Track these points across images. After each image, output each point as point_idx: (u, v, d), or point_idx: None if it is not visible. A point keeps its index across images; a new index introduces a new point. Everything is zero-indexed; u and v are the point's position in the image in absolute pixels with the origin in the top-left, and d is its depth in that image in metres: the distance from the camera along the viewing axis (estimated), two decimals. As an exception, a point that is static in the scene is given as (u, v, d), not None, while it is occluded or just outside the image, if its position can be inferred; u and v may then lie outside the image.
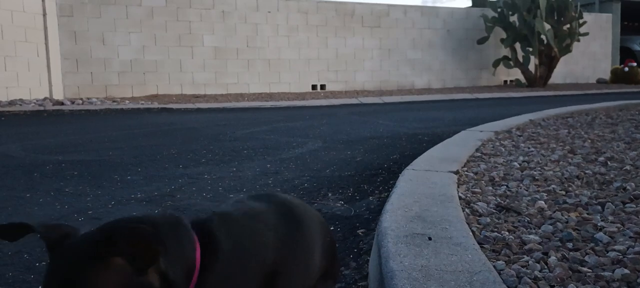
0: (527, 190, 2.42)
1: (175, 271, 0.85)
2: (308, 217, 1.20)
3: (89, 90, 10.58)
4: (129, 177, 3.38)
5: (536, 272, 1.43)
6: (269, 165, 3.79)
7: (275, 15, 12.49)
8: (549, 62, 14.63)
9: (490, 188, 2.49)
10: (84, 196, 2.93)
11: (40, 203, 2.78)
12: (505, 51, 14.97)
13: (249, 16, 12.18)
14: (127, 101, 9.73)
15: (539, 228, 1.82)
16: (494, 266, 1.45)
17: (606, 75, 17.25)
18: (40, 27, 9.50)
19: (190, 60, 11.65)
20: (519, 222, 1.92)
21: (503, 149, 3.68)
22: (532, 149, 3.65)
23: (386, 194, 2.73)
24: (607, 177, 2.65)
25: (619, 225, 1.83)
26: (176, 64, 11.49)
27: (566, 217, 1.95)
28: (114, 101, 9.69)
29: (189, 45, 11.61)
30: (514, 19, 14.65)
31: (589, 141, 3.98)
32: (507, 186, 2.51)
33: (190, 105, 9.13)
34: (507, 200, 2.24)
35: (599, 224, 1.84)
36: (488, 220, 1.94)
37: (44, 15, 9.56)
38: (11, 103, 8.40)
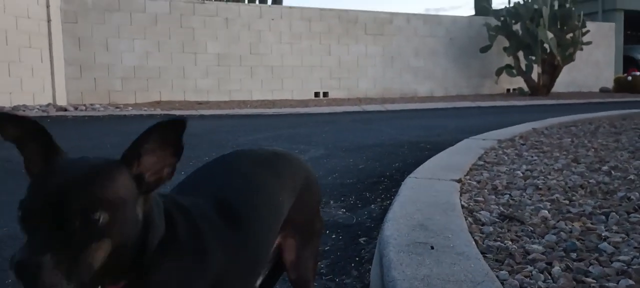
0: (530, 199, 2.40)
1: (157, 218, 0.85)
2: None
3: (92, 96, 10.60)
4: (130, 183, 3.37)
5: (540, 283, 1.41)
6: (271, 172, 3.78)
7: (279, 23, 12.52)
8: (551, 70, 14.62)
9: (493, 197, 2.48)
10: (86, 202, 2.92)
11: (41, 209, 2.77)
12: (508, 59, 14.96)
13: (253, 23, 12.21)
14: (130, 107, 9.74)
15: (543, 238, 1.81)
16: (497, 276, 1.44)
17: (609, 84, 17.21)
18: (44, 33, 9.54)
19: (194, 66, 11.67)
20: (522, 231, 1.91)
21: (506, 158, 3.67)
22: (536, 158, 3.63)
23: (388, 202, 2.72)
24: (611, 187, 2.63)
25: (623, 235, 1.82)
26: (179, 71, 11.51)
27: (570, 226, 1.93)
28: (117, 107, 9.70)
29: (193, 52, 11.63)
30: (517, 27, 14.66)
31: (593, 150, 3.96)
32: (510, 195, 2.50)
33: (193, 112, 9.14)
34: (510, 209, 2.23)
35: (603, 234, 1.83)
36: (491, 229, 1.93)
37: (49, 21, 9.60)
38: (15, 109, 8.41)
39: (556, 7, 14.35)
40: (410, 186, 2.62)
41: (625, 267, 1.51)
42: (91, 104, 9.96)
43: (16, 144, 0.85)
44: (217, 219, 0.97)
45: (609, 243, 1.71)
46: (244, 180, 1.09)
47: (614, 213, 2.09)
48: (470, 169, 3.18)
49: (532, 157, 3.69)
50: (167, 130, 0.82)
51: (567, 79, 16.17)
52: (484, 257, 1.59)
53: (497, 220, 2.06)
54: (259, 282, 1.28)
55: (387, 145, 5.18)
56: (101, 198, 0.75)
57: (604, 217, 2.06)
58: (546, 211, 2.16)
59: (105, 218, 0.74)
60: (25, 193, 0.79)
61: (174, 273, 0.87)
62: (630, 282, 1.39)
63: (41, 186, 0.78)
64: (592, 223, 1.98)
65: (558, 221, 2.01)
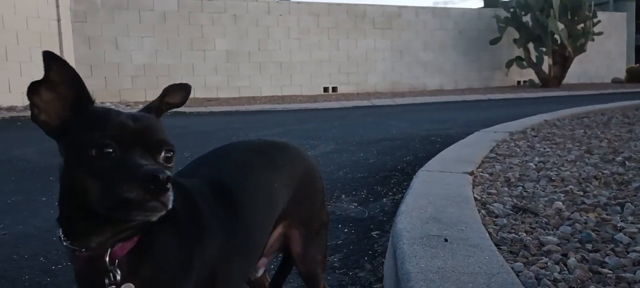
0: (543, 191, 2.38)
1: None
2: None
3: (103, 95, 10.67)
4: (143, 180, 3.38)
5: (555, 274, 1.40)
6: (281, 168, 3.78)
7: (287, 18, 12.51)
8: (562, 61, 14.49)
9: (506, 189, 2.46)
10: (99, 199, 2.94)
11: (56, 207, 2.80)
12: (518, 51, 14.85)
13: (261, 19, 12.22)
14: (140, 105, 9.78)
15: (557, 229, 1.80)
16: (512, 268, 1.43)
17: (621, 75, 17.03)
18: (54, 32, 9.61)
19: (203, 63, 11.71)
20: (536, 223, 1.89)
21: (518, 150, 3.64)
22: (548, 149, 3.60)
23: (400, 196, 2.71)
24: (625, 177, 2.60)
25: (639, 225, 1.80)
26: (188, 68, 11.55)
27: (585, 217, 1.91)
28: (127, 105, 9.76)
29: (201, 49, 11.67)
30: (526, 18, 14.54)
31: (606, 141, 3.93)
32: (523, 187, 2.48)
33: (202, 109, 9.17)
34: (524, 201, 2.21)
35: (618, 225, 1.81)
36: (505, 221, 1.91)
37: (59, 20, 9.67)
38: (27, 108, 8.50)
39: (566, -2, 14.22)
40: (422, 179, 2.61)
41: (642, 258, 1.49)
42: (102, 103, 10.03)
43: (51, 85, 0.91)
44: (210, 197, 1.03)
45: (624, 234, 1.70)
46: (236, 165, 1.15)
47: (629, 203, 2.07)
48: (482, 162, 3.16)
49: (544, 148, 3.66)
50: (180, 90, 1.05)
51: (579, 70, 16.02)
52: (498, 248, 1.58)
53: (510, 212, 2.05)
54: (260, 272, 1.28)
55: (398, 139, 5.17)
56: (172, 143, 0.90)
57: (619, 208, 2.04)
58: (560, 202, 2.14)
59: (174, 159, 0.89)
60: (100, 122, 0.87)
61: (174, 244, 0.92)
62: (648, 272, 1.38)
63: (123, 120, 0.87)
64: (607, 214, 1.96)
65: (572, 212, 1.99)
